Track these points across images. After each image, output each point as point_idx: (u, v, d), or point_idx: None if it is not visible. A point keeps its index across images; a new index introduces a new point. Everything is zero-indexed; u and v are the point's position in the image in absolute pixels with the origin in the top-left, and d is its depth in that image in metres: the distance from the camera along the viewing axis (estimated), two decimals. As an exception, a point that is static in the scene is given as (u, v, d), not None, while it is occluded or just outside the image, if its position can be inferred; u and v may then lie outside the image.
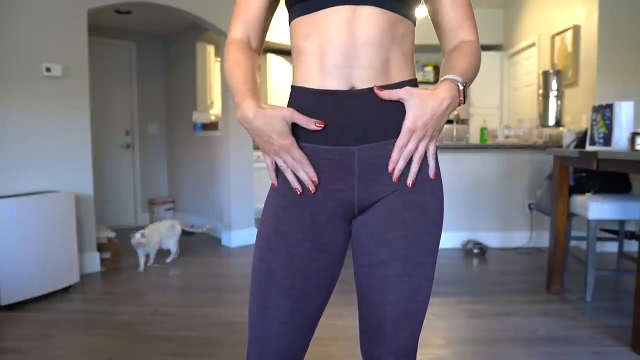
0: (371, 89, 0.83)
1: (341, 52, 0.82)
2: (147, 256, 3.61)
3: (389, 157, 0.84)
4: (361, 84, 0.83)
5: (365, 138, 0.84)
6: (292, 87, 0.90)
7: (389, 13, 0.82)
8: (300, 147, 0.85)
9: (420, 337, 0.92)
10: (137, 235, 3.46)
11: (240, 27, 0.93)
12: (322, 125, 0.82)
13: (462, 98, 0.85)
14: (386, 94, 0.82)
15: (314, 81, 0.85)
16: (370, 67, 0.82)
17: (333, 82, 0.83)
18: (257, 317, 0.90)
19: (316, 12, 0.83)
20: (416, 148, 0.83)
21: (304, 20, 0.85)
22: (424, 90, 0.83)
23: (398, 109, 0.83)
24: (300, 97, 0.87)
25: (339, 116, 0.83)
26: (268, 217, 0.90)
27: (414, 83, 0.89)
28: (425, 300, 0.90)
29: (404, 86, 0.84)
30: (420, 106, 0.81)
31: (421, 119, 0.81)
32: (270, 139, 0.82)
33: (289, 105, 0.89)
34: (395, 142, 0.84)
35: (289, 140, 0.83)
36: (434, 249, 0.89)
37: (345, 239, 0.91)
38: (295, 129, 0.84)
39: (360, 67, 0.82)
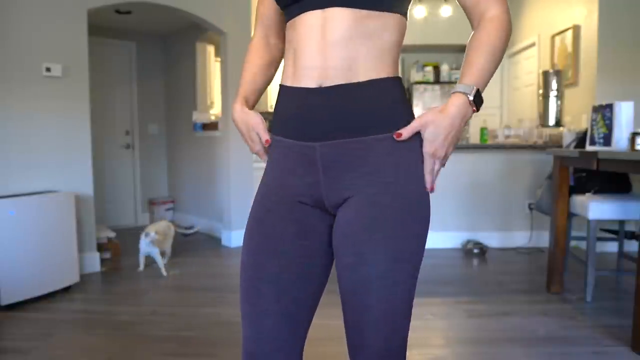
0: (336, 87, 0.84)
1: (310, 55, 0.86)
2: (146, 257, 3.59)
3: (352, 155, 0.86)
4: (328, 83, 0.85)
5: (327, 135, 0.86)
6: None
7: (356, 11, 0.82)
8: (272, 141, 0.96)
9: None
10: (152, 233, 3.38)
11: (258, 28, 1.04)
12: (268, 144, 0.95)
13: (474, 108, 0.85)
14: (405, 134, 0.85)
15: (289, 81, 0.91)
16: (335, 67, 0.84)
17: (303, 82, 0.88)
18: (247, 312, 0.93)
19: (294, 19, 0.88)
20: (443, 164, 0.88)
21: (288, 25, 0.92)
22: (436, 114, 0.84)
23: (361, 108, 0.84)
24: (280, 94, 0.94)
25: (304, 113, 0.87)
26: (253, 210, 0.96)
27: (389, 82, 0.87)
28: (399, 306, 0.86)
29: (372, 86, 0.84)
30: (435, 132, 0.84)
31: (437, 140, 0.85)
32: (244, 137, 1.00)
33: (276, 101, 0.97)
34: (358, 140, 0.85)
35: (255, 144, 0.98)
36: (404, 255, 0.85)
37: (327, 228, 0.93)
38: (276, 123, 0.94)
39: (327, 68, 0.85)
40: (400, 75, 0.91)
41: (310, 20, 0.85)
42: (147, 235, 3.38)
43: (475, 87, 0.84)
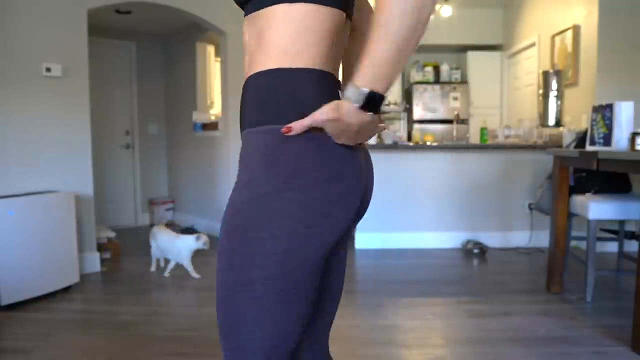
0: (243, 86, 0.91)
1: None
2: (167, 260, 3.55)
3: (244, 146, 0.89)
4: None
5: (241, 129, 0.92)
6: None
7: (250, 16, 0.87)
8: None
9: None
10: (204, 236, 3.34)
11: None
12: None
13: (370, 111, 0.73)
14: (297, 128, 0.76)
15: None
16: (245, 67, 0.92)
17: None
18: None
19: None
20: None
21: None
22: (328, 113, 0.73)
23: (248, 103, 0.87)
24: None
25: None
26: None
27: (265, 75, 0.82)
28: (220, 298, 0.83)
29: (250, 80, 0.86)
30: (334, 132, 0.76)
31: (345, 134, 0.76)
32: None
33: None
34: (243, 134, 0.88)
35: None
36: (226, 245, 0.81)
37: None
38: None
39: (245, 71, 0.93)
40: (304, 63, 0.80)
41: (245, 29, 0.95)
42: (199, 237, 3.32)
43: (365, 92, 0.71)
